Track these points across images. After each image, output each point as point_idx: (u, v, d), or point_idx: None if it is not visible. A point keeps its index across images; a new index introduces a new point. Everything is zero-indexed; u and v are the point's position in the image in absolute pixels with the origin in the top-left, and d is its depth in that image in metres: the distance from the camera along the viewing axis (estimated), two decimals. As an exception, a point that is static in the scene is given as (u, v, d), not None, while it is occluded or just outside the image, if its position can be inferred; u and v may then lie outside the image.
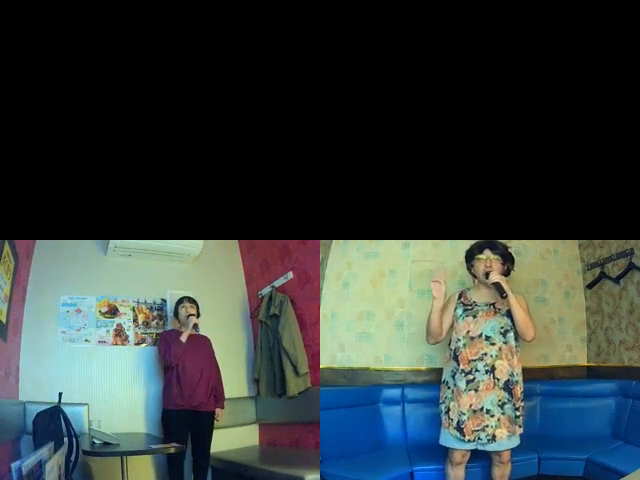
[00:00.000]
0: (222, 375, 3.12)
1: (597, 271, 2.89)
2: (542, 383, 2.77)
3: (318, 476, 2.20)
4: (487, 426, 2.00)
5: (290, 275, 3.11)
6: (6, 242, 2.34)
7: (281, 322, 3.00)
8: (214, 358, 3.10)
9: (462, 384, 2.04)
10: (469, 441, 2.02)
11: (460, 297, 2.18)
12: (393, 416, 2.61)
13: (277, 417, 3.27)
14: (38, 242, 3.07)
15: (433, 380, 2.75)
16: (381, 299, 2.84)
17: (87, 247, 3.27)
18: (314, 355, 2.81)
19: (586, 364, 2.98)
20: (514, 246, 2.93)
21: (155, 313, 3.42)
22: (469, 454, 2.08)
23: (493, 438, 2.00)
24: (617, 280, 2.72)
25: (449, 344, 2.16)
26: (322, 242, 2.83)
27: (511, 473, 2.13)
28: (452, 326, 2.15)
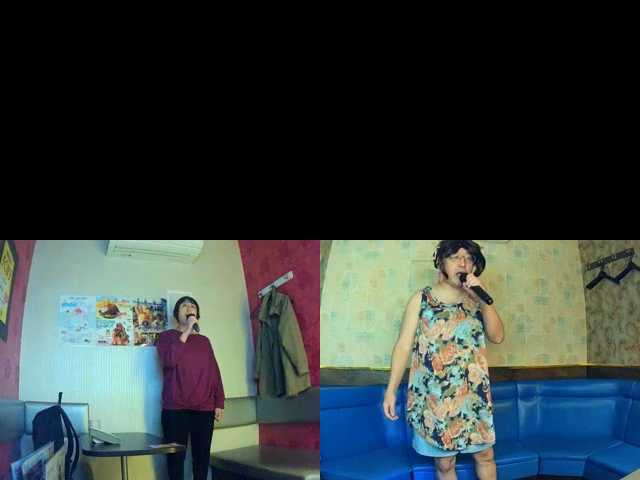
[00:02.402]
0: (222, 375, 3.12)
1: (597, 271, 2.89)
2: (542, 383, 2.77)
3: (318, 476, 2.20)
4: (465, 431, 1.96)
5: (290, 275, 3.11)
6: (6, 242, 2.34)
7: (281, 322, 3.00)
8: (213, 358, 3.10)
9: (437, 391, 1.97)
10: (448, 450, 1.96)
11: (425, 298, 2.08)
12: (393, 416, 2.61)
13: (277, 417, 3.27)
14: (38, 242, 3.07)
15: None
16: (381, 299, 2.84)
17: (87, 247, 3.27)
18: (314, 355, 2.81)
19: (586, 364, 2.98)
20: (514, 246, 2.96)
21: (155, 313, 3.42)
22: (455, 458, 2.04)
23: (469, 442, 1.96)
24: (617, 280, 2.72)
25: (416, 348, 2.07)
26: (322, 242, 2.83)
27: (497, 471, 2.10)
28: (417, 331, 2.07)
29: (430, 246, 2.83)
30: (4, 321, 2.43)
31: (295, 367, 2.86)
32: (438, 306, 2.04)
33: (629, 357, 2.64)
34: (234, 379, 3.41)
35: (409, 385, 2.10)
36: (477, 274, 2.05)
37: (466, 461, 2.14)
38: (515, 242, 2.94)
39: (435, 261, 2.11)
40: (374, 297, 2.84)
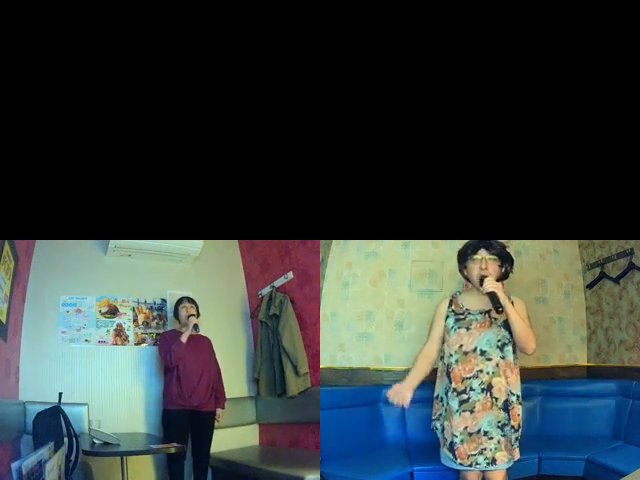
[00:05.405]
0: (222, 375, 3.12)
1: (597, 271, 2.89)
2: (542, 383, 2.77)
3: (318, 476, 2.20)
4: (485, 449, 1.83)
5: (290, 275, 3.11)
6: (6, 242, 2.34)
7: (281, 322, 3.00)
8: (214, 358, 3.10)
9: (454, 404, 1.87)
10: (462, 465, 1.85)
11: (451, 304, 1.98)
12: (393, 416, 2.60)
13: (277, 417, 3.27)
14: (38, 242, 3.07)
15: (433, 380, 2.74)
16: (381, 299, 2.84)
17: (87, 247, 3.27)
18: (314, 355, 2.81)
19: (586, 364, 2.98)
20: (514, 246, 2.95)
21: (155, 313, 3.42)
22: (482, 474, 1.90)
23: (493, 462, 1.83)
24: (617, 280, 2.72)
25: (442, 358, 1.98)
26: (322, 242, 2.83)
27: None
28: (444, 339, 1.96)
29: (430, 246, 2.85)
30: (4, 321, 2.43)
31: (295, 367, 2.86)
32: (462, 313, 1.94)
33: (629, 357, 2.64)
34: (234, 379, 3.41)
35: (434, 394, 2.03)
36: (505, 276, 1.96)
37: None
38: (515, 242, 2.94)
39: (459, 268, 2.00)
40: (374, 297, 2.84)
